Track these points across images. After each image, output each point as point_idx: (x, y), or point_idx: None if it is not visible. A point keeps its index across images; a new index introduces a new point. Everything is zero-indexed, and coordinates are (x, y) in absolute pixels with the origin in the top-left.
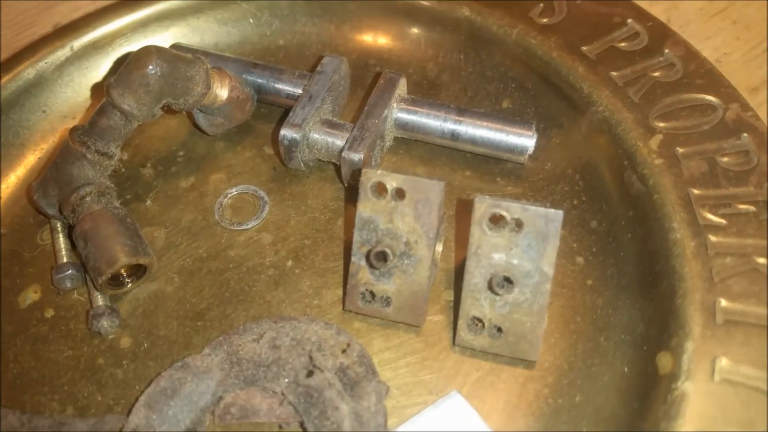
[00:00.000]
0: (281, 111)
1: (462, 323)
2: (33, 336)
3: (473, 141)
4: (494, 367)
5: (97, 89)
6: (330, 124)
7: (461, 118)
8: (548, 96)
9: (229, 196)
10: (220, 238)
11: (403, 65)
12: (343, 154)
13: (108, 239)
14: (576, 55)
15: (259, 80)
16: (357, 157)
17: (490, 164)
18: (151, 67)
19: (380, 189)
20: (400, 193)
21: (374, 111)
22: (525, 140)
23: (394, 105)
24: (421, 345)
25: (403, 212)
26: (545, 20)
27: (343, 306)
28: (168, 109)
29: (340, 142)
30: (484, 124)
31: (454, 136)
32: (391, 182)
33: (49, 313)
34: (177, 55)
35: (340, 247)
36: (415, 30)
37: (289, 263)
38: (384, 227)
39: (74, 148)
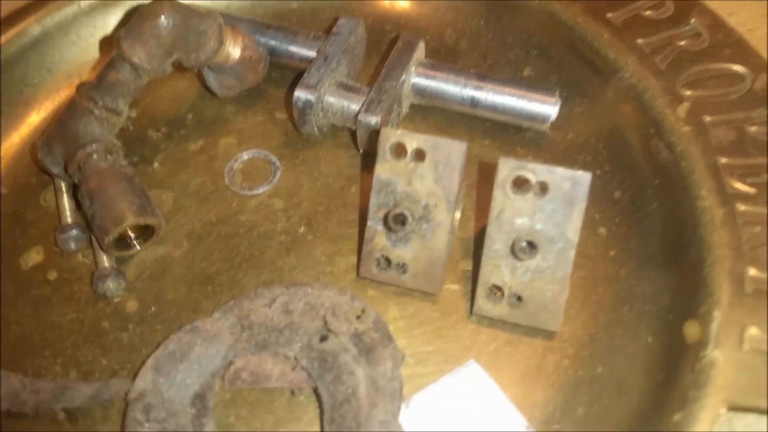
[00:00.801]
0: (293, 75)
1: (481, 291)
2: (35, 298)
3: (493, 108)
4: (512, 337)
5: (106, 45)
6: (346, 87)
7: (481, 84)
8: (572, 63)
9: (239, 160)
10: (231, 202)
11: (420, 30)
12: (359, 116)
13: (115, 198)
14: (601, 22)
15: (273, 42)
16: (374, 120)
17: (509, 133)
18: (163, 17)
19: (399, 150)
20: (420, 154)
21: (392, 74)
22: (547, 107)
23: (412, 69)
24: (437, 314)
25: (423, 174)
26: None
27: (358, 272)
28: (178, 66)
29: (355, 106)
30: (506, 90)
31: (474, 102)
32: (412, 142)
33: (52, 275)
34: (190, 8)
35: (354, 214)
36: None
37: (302, 229)
38: (402, 190)
39: (81, 104)
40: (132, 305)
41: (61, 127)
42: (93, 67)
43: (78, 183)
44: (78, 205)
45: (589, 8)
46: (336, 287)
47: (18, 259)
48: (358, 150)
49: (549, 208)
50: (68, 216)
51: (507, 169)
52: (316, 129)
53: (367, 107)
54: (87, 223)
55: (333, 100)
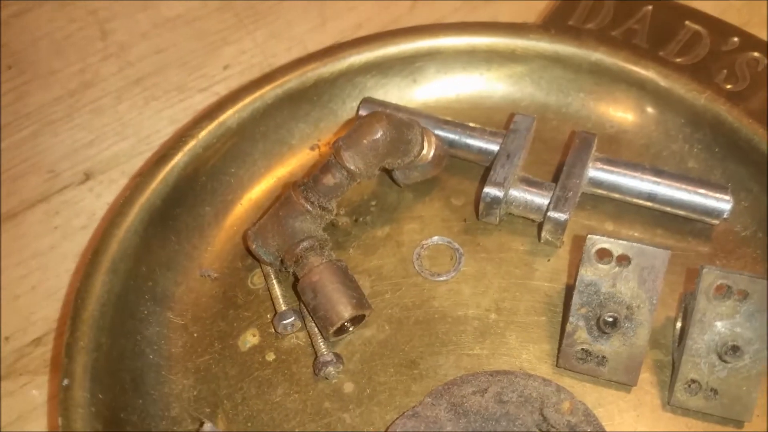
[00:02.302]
0: (465, 163)
1: (679, 385)
2: (257, 379)
3: (670, 202)
4: (705, 426)
5: (296, 140)
6: (528, 182)
7: (658, 179)
8: (736, 160)
9: (425, 246)
10: (422, 288)
11: (580, 120)
12: (549, 214)
13: (336, 292)
14: (765, 124)
15: (451, 135)
16: (563, 217)
17: (679, 223)
18: (381, 133)
19: (603, 254)
20: (624, 259)
21: (573, 171)
22: (721, 204)
23: (590, 164)
24: (633, 403)
25: (628, 278)
26: (730, 86)
27: (557, 363)
28: (381, 169)
29: (539, 200)
30: (681, 185)
31: (651, 196)
32: (617, 248)
33: (270, 356)
34: (401, 119)
35: (539, 300)
36: (596, 86)
37: (492, 316)
38: (606, 291)
39: (299, 203)
40: (349, 386)
41: (277, 223)
42: (285, 160)
43: (295, 275)
44: (295, 293)
45: (752, 111)
46: (540, 377)
47: (236, 341)
48: (539, 239)
49: (747, 313)
50: (281, 303)
51: (711, 277)
52: (497, 219)
53: (555, 205)
54: (304, 311)
55: (517, 194)
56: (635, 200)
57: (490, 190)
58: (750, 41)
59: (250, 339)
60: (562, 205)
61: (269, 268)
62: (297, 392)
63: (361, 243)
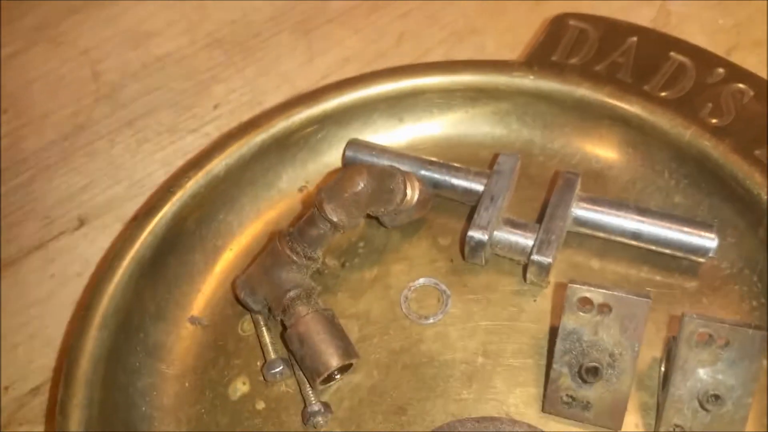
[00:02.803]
0: (451, 203)
1: (663, 430)
2: (248, 428)
3: (655, 240)
4: None
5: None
6: (512, 224)
7: (643, 219)
8: (723, 195)
9: (412, 288)
10: (410, 331)
11: (566, 156)
12: (533, 257)
13: (323, 342)
14: (750, 160)
15: (436, 176)
16: (546, 261)
17: (665, 259)
18: (362, 185)
19: (585, 302)
20: (605, 307)
21: (557, 213)
22: (707, 242)
23: (573, 204)
24: None
25: (609, 326)
26: (715, 121)
27: (543, 408)
28: (366, 215)
29: (523, 241)
30: (666, 224)
31: (635, 235)
32: (598, 297)
33: (260, 405)
34: (383, 170)
35: (526, 343)
36: (582, 122)
37: (480, 359)
38: (588, 339)
39: (284, 253)
40: None
41: (263, 272)
42: (274, 204)
43: (283, 322)
44: (284, 343)
45: (738, 146)
46: (525, 424)
47: (226, 389)
48: (524, 280)
49: (729, 360)
50: (271, 351)
51: (692, 326)
52: (483, 261)
53: (539, 248)
54: (293, 360)
55: (501, 236)
56: (620, 239)
57: (474, 234)
58: (735, 72)
59: (241, 387)
60: (546, 249)
61: (259, 315)
62: None
63: (350, 286)
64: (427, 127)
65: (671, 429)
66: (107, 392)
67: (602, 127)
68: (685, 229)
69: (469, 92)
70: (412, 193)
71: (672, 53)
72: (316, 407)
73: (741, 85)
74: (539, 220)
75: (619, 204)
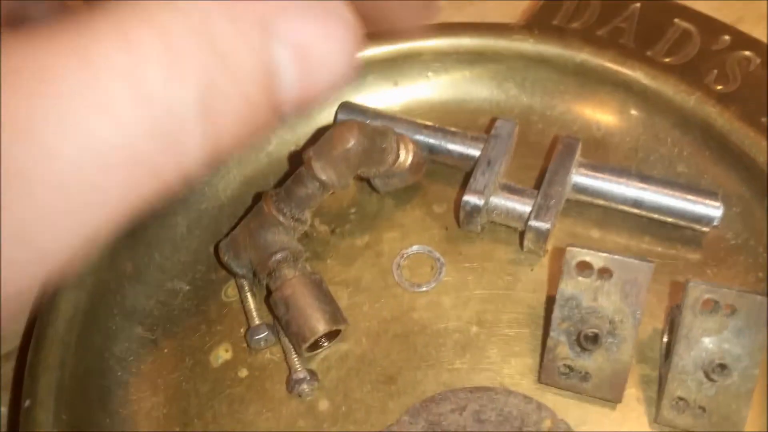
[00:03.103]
0: (447, 169)
1: (666, 403)
2: (229, 397)
3: (657, 209)
4: None
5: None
6: (509, 189)
7: (644, 185)
8: (728, 164)
9: (405, 256)
10: (401, 299)
11: (566, 123)
12: (530, 223)
13: (309, 307)
14: (757, 127)
15: (431, 140)
16: (545, 226)
17: (668, 229)
18: (353, 142)
19: (584, 267)
20: (605, 272)
21: (556, 179)
22: (711, 211)
23: (573, 170)
24: (618, 420)
25: (609, 291)
26: (720, 87)
27: (539, 378)
28: (357, 176)
29: (521, 208)
30: (669, 191)
31: (637, 203)
32: (598, 261)
33: (243, 372)
34: (375, 128)
35: (523, 312)
36: (582, 87)
37: (474, 329)
38: (587, 305)
39: (271, 215)
40: (323, 404)
41: (248, 235)
42: (261, 167)
43: (268, 287)
44: (269, 308)
45: (744, 113)
46: (521, 394)
47: (208, 357)
48: (521, 248)
49: (735, 329)
50: (255, 317)
51: (697, 292)
52: (479, 227)
53: (537, 214)
54: (278, 326)
55: (498, 202)
56: (621, 207)
57: (470, 199)
58: (741, 39)
59: (223, 354)
60: (544, 214)
61: (243, 280)
62: (270, 410)
63: (340, 253)
64: (422, 91)
65: (674, 402)
66: (81, 355)
67: (604, 93)
68: (689, 197)
69: (467, 56)
70: (406, 155)
71: (676, 20)
72: (301, 375)
73: (747, 53)
74: (537, 186)
75: (620, 171)
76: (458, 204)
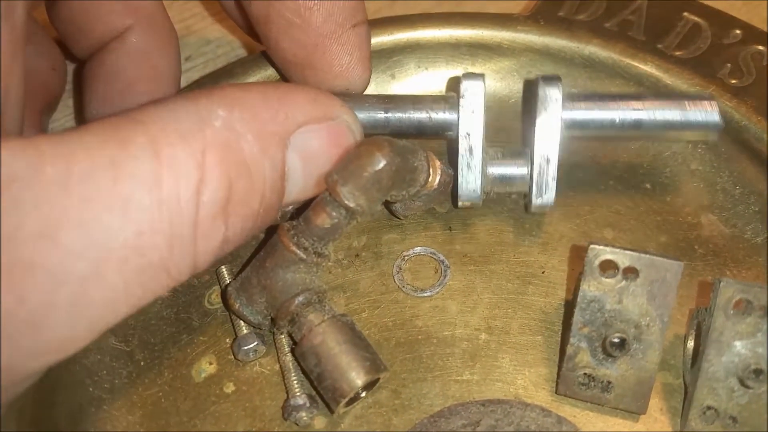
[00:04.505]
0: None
1: (694, 412)
2: (214, 414)
3: (661, 125)
4: None
5: None
6: (500, 160)
7: (641, 104)
8: (744, 161)
9: (406, 258)
10: (403, 305)
11: None
12: (534, 203)
13: (344, 355)
14: None
15: (398, 115)
16: (548, 202)
17: (684, 229)
18: (385, 162)
19: (608, 266)
20: (631, 272)
21: (547, 133)
22: (710, 115)
23: (561, 114)
24: None
25: (636, 293)
26: (735, 81)
27: (556, 390)
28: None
29: (518, 174)
30: (666, 104)
31: (637, 124)
32: (623, 260)
33: (229, 387)
34: (405, 145)
35: (534, 318)
36: (590, 81)
37: (483, 336)
38: (611, 308)
39: (289, 250)
40: (320, 422)
41: (264, 275)
42: None
43: (291, 335)
44: (297, 362)
45: (760, 106)
46: (538, 407)
47: (189, 370)
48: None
49: None
50: (243, 326)
51: (729, 292)
52: (481, 203)
53: (537, 193)
54: (309, 380)
55: (493, 178)
56: (620, 133)
57: (466, 202)
58: (753, 33)
59: (206, 367)
60: (544, 191)
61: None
62: (260, 429)
63: (335, 255)
64: (421, 84)
65: (703, 411)
66: (47, 369)
67: (613, 87)
68: (687, 103)
69: (469, 48)
70: (434, 174)
71: (685, 13)
72: (300, 401)
73: (760, 47)
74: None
75: (611, 97)
76: (455, 197)
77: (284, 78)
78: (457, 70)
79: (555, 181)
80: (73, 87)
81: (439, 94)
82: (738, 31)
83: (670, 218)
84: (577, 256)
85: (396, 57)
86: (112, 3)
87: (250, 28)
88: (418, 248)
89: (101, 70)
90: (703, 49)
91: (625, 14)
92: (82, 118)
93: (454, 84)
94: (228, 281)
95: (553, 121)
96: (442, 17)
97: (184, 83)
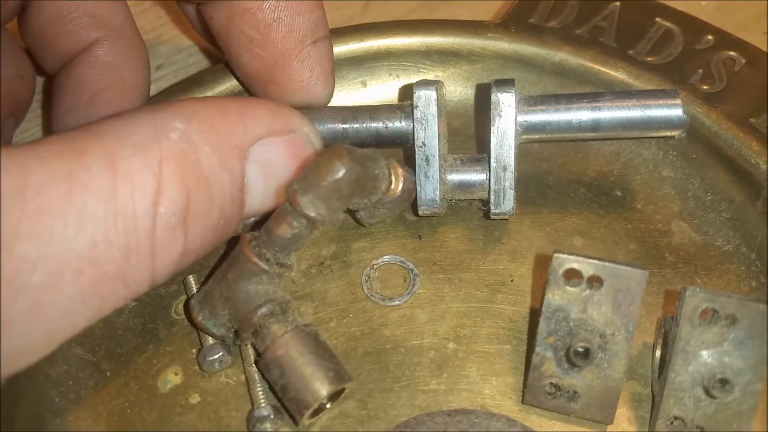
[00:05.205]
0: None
1: (661, 423)
2: (180, 425)
3: (620, 125)
4: None
5: None
6: (457, 168)
7: (598, 103)
8: (715, 168)
9: (375, 267)
10: (372, 314)
11: None
12: (492, 212)
13: (308, 366)
14: (746, 128)
15: (355, 126)
16: (508, 210)
17: (654, 237)
18: (344, 171)
19: (572, 275)
20: (596, 281)
21: (504, 141)
22: (674, 111)
23: (516, 117)
24: None
25: (600, 302)
26: (706, 87)
27: (523, 399)
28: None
29: (477, 180)
30: (626, 102)
31: (595, 124)
32: (587, 269)
33: (195, 398)
34: (364, 153)
35: (502, 326)
36: (561, 88)
37: (451, 345)
38: (576, 317)
39: (251, 261)
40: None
41: (226, 288)
42: None
43: (255, 347)
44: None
45: (732, 113)
46: (504, 417)
47: (155, 381)
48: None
49: (737, 339)
50: (209, 337)
51: (695, 301)
52: (443, 210)
53: (495, 202)
54: (273, 392)
55: (452, 186)
56: (578, 135)
57: (426, 211)
58: (725, 39)
59: (172, 378)
60: (502, 200)
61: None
62: None
63: (303, 263)
64: (392, 91)
65: (670, 421)
66: (11, 379)
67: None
68: (648, 102)
69: (440, 55)
70: (396, 182)
71: (658, 19)
72: (264, 412)
73: (732, 53)
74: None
75: (567, 97)
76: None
77: (247, 91)
78: (428, 78)
79: (513, 190)
80: (42, 99)
81: (398, 103)
82: (710, 37)
83: (641, 226)
84: (543, 264)
85: (367, 64)
86: (80, 17)
87: (213, 41)
88: (387, 257)
89: (68, 83)
90: (674, 55)
91: (597, 20)
92: (50, 131)
93: (409, 92)
94: (195, 291)
95: (508, 128)
96: (412, 24)
97: (154, 92)
